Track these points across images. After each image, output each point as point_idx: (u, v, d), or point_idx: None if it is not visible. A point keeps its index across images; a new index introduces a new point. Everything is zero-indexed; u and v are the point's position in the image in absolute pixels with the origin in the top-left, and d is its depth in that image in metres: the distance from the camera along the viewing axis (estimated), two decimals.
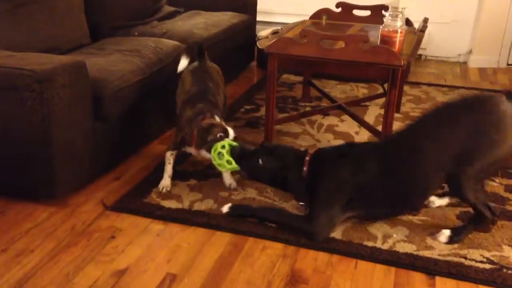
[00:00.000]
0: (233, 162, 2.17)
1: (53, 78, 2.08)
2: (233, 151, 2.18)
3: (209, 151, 2.25)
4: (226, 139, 2.24)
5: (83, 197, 2.37)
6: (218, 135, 2.26)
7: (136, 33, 3.37)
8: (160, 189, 2.41)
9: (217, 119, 2.39)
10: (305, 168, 2.12)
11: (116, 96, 2.47)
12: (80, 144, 2.31)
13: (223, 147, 2.19)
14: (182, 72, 2.77)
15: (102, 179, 2.53)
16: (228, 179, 2.45)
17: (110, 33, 3.29)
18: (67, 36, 2.96)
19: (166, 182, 2.43)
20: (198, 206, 2.29)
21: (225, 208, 2.23)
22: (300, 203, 2.26)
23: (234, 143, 2.22)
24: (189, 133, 2.37)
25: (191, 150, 2.41)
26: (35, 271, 1.88)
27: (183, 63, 2.80)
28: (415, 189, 2.08)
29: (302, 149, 2.28)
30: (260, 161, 2.15)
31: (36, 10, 2.78)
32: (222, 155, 2.18)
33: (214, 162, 2.22)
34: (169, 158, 2.45)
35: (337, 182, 2.07)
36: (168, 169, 2.45)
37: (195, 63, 2.76)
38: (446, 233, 2.07)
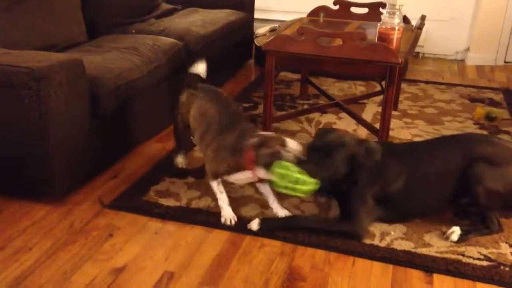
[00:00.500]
0: (307, 181, 1.88)
1: (50, 76, 2.07)
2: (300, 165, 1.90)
3: (269, 169, 1.95)
4: (287, 157, 1.92)
5: (81, 195, 2.37)
6: (278, 148, 1.95)
7: (133, 31, 3.36)
8: (228, 222, 2.14)
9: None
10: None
11: (113, 93, 2.47)
12: (78, 142, 2.30)
13: (286, 168, 1.89)
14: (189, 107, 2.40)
15: (99, 177, 2.52)
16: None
17: (107, 30, 3.28)
18: (64, 34, 2.95)
19: (228, 213, 2.16)
20: (196, 204, 2.29)
21: (254, 225, 2.09)
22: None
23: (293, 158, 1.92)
24: (238, 156, 2.05)
25: (243, 175, 2.09)
26: (33, 269, 1.88)
27: (202, 67, 2.53)
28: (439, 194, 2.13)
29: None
30: (332, 156, 1.97)
31: (33, 8, 2.77)
32: (287, 175, 1.88)
33: (281, 186, 1.91)
34: (217, 187, 2.19)
35: (372, 179, 2.07)
36: (223, 198, 2.18)
37: (197, 91, 2.42)
38: (457, 231, 2.06)
